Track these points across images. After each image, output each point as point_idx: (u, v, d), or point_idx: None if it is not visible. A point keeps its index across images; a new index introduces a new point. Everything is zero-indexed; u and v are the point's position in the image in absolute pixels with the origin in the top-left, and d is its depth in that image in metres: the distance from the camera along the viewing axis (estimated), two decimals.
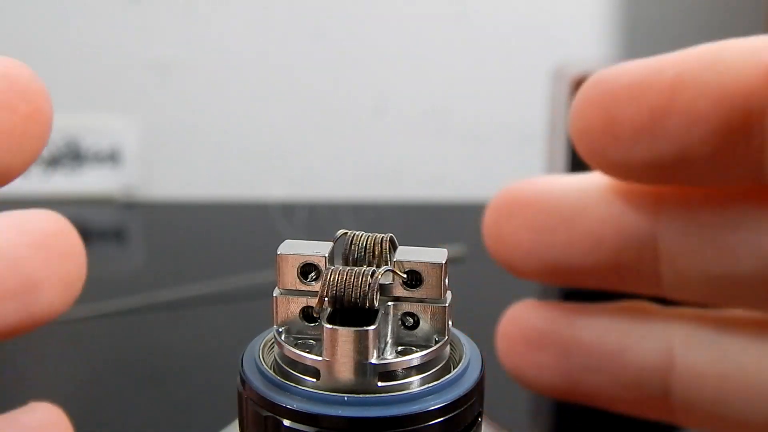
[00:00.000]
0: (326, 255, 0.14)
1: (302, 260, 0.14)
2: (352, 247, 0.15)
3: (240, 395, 0.14)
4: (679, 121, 0.16)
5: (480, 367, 0.15)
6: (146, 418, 0.36)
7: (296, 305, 0.14)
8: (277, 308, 0.14)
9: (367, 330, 0.13)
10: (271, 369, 0.14)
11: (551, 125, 0.50)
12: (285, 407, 0.13)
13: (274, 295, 0.14)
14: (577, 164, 0.50)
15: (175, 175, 0.65)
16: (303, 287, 0.14)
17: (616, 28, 0.64)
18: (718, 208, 0.17)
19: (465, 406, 0.14)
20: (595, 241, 0.18)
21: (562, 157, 0.48)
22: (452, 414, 0.14)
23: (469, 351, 0.15)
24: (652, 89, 0.16)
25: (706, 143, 0.16)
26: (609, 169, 0.17)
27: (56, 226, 0.17)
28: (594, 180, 0.19)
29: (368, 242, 0.15)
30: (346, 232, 0.15)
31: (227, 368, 0.40)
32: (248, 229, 0.61)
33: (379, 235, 0.15)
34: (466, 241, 0.52)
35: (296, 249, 0.14)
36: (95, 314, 0.43)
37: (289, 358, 0.14)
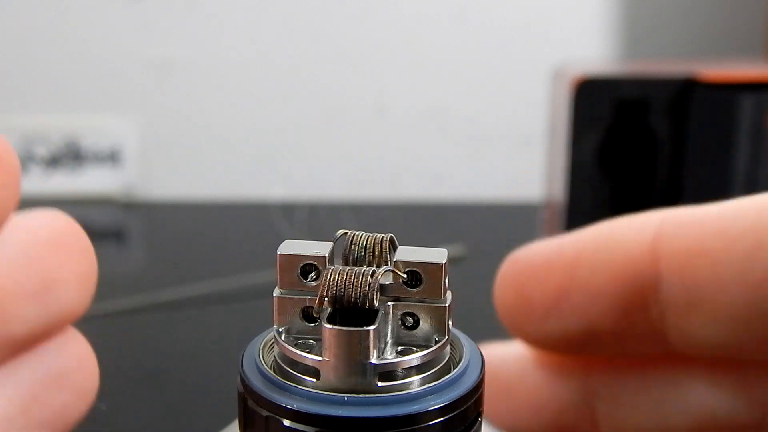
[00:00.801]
0: (326, 255, 0.14)
1: (302, 260, 0.14)
2: (352, 247, 0.15)
3: (240, 395, 0.14)
4: (581, 298, 0.17)
5: (480, 367, 0.15)
6: (146, 418, 0.36)
7: (296, 305, 0.14)
8: (276, 308, 0.14)
9: (367, 330, 0.13)
10: (271, 369, 0.14)
11: (551, 125, 0.50)
12: (285, 407, 0.13)
13: (274, 295, 0.14)
14: (577, 165, 0.50)
15: (175, 175, 0.65)
16: (303, 287, 0.14)
17: (616, 28, 0.64)
18: (643, 371, 0.18)
19: (465, 406, 0.14)
20: (535, 409, 0.19)
21: (562, 157, 0.48)
22: (452, 414, 0.14)
23: (469, 351, 0.15)
24: (556, 269, 0.18)
25: (607, 318, 0.17)
26: (528, 341, 0.19)
27: (64, 224, 0.17)
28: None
29: (368, 242, 0.15)
30: (346, 232, 0.15)
31: (227, 368, 0.40)
32: (248, 229, 0.61)
33: (379, 235, 0.15)
34: (466, 241, 0.52)
35: (296, 249, 0.14)
36: (95, 314, 0.43)
37: (289, 358, 0.14)
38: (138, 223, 0.65)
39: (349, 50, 0.64)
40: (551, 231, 0.49)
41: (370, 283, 0.13)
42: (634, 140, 0.48)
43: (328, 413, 0.13)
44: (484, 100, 0.65)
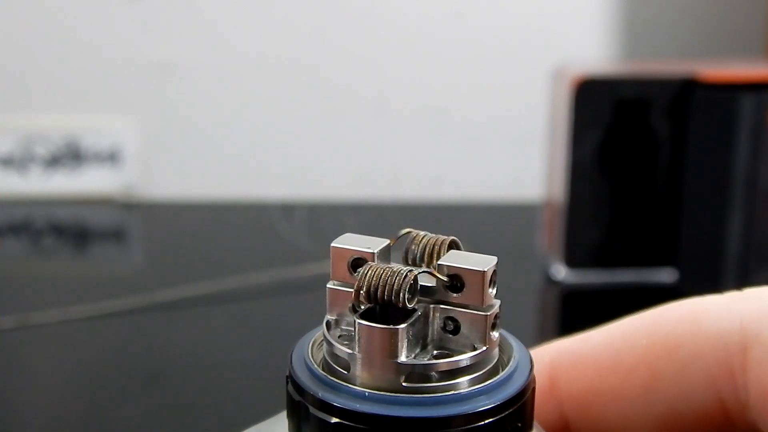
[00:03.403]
0: (375, 251, 0.14)
1: (351, 254, 0.14)
2: (412, 247, 0.15)
3: (285, 378, 0.14)
4: None
5: (525, 376, 0.14)
6: (146, 418, 0.36)
7: (347, 298, 0.14)
8: (328, 299, 0.15)
9: (395, 329, 0.13)
10: (319, 359, 0.14)
11: (551, 125, 0.50)
12: (311, 394, 0.14)
13: (327, 285, 0.15)
14: (577, 164, 0.50)
15: (175, 175, 0.65)
16: (353, 281, 0.14)
17: (616, 28, 0.64)
18: None
19: (490, 420, 0.13)
20: None
21: (562, 156, 0.48)
22: (477, 424, 0.13)
23: (517, 357, 0.14)
24: None
25: None
26: None
27: None
28: None
29: (428, 243, 0.15)
30: (410, 231, 0.15)
31: (227, 368, 0.40)
32: (248, 229, 0.61)
33: (441, 237, 0.15)
34: (466, 241, 0.51)
35: (348, 242, 0.14)
36: (95, 314, 0.43)
37: (330, 349, 0.14)
38: (138, 223, 0.65)
39: (349, 50, 0.64)
40: (551, 231, 0.49)
41: (402, 283, 0.13)
42: (634, 140, 0.48)
43: (347, 406, 0.13)
44: (484, 99, 0.65)
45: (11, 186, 0.63)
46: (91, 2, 0.63)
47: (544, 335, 0.47)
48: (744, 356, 0.15)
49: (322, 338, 0.15)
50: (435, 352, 0.14)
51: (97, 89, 0.64)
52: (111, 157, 0.63)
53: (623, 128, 0.48)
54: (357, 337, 0.13)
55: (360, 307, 0.14)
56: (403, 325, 0.13)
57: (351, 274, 0.14)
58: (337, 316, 0.14)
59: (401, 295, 0.13)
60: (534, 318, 0.49)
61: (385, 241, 0.15)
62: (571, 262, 0.48)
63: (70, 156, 0.63)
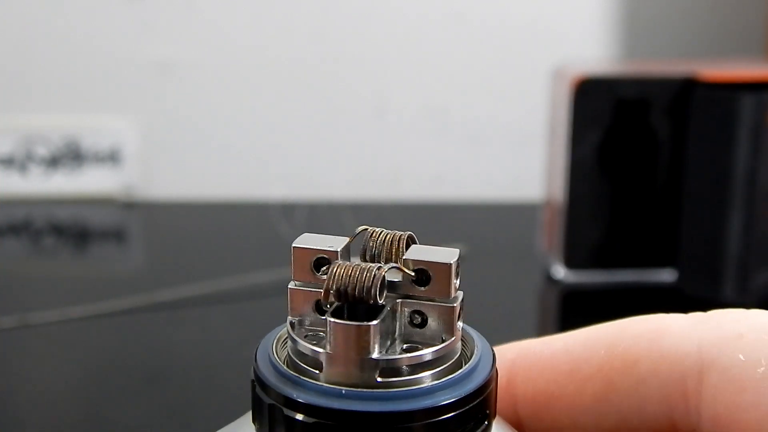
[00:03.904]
0: (338, 250, 0.14)
1: (315, 254, 0.14)
2: (370, 243, 0.15)
3: (251, 382, 0.14)
4: None
5: (489, 366, 0.14)
6: (146, 418, 0.36)
7: (309, 298, 0.14)
8: (290, 300, 0.15)
9: (368, 325, 0.13)
10: (283, 360, 0.14)
11: (551, 125, 0.50)
12: (283, 395, 0.13)
13: (288, 286, 0.15)
14: (577, 164, 0.50)
15: (175, 175, 0.65)
16: (316, 280, 0.14)
17: (616, 28, 0.64)
18: None
19: (462, 409, 0.14)
20: None
21: (562, 156, 0.48)
22: (447, 416, 0.13)
23: (480, 351, 0.15)
24: None
25: None
26: None
27: None
28: None
29: (386, 239, 0.15)
30: (366, 228, 0.15)
31: (227, 368, 0.40)
32: (248, 229, 0.61)
33: (398, 232, 0.15)
34: (466, 241, 0.52)
35: (310, 242, 0.15)
36: (95, 314, 0.43)
37: (298, 349, 0.14)
38: (138, 223, 0.65)
39: (349, 50, 0.64)
40: (551, 231, 0.49)
41: (372, 279, 0.13)
42: (634, 140, 0.48)
43: (323, 404, 0.13)
44: (484, 99, 0.65)
45: (11, 186, 0.63)
46: (91, 2, 0.63)
47: (543, 335, 0.47)
48: (699, 380, 0.15)
49: (285, 338, 0.15)
50: (404, 346, 0.14)
51: (97, 89, 0.64)
52: (111, 157, 0.63)
53: (623, 128, 0.48)
54: (329, 336, 0.13)
55: (327, 306, 0.14)
56: (376, 321, 0.13)
57: (314, 273, 0.14)
58: (300, 316, 0.15)
59: (372, 291, 0.13)
60: (534, 318, 0.49)
61: (345, 239, 0.15)
62: (571, 262, 0.48)
63: (70, 156, 0.63)
